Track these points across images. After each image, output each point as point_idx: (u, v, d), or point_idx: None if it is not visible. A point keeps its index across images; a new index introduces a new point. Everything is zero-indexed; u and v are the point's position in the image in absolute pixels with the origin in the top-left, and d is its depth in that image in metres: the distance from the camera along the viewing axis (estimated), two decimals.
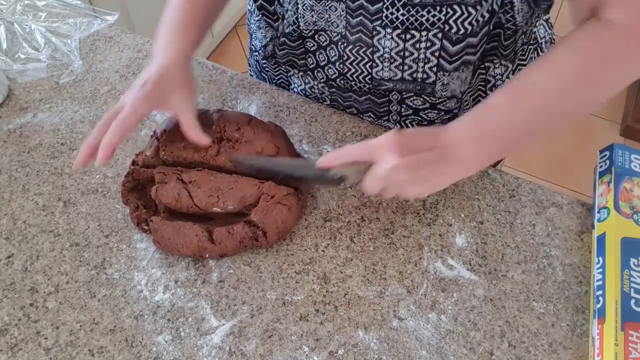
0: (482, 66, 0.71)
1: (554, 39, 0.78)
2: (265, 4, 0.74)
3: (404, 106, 0.74)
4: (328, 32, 0.68)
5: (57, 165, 0.72)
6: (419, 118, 0.76)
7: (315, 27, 0.68)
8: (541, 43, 0.76)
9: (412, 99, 0.73)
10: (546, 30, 0.77)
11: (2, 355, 0.57)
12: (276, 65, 0.82)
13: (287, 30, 0.71)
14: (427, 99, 0.72)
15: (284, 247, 0.65)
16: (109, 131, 0.58)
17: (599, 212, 0.67)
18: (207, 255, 0.61)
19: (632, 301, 0.57)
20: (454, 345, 0.59)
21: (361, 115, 0.79)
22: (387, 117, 0.78)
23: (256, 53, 0.84)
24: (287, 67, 0.80)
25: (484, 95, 0.75)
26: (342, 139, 0.76)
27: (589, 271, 0.65)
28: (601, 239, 0.64)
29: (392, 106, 0.75)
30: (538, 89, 0.55)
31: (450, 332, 0.60)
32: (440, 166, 0.56)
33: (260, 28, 0.79)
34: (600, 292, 0.60)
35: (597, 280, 0.61)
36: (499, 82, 0.74)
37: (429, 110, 0.74)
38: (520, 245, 0.67)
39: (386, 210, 0.68)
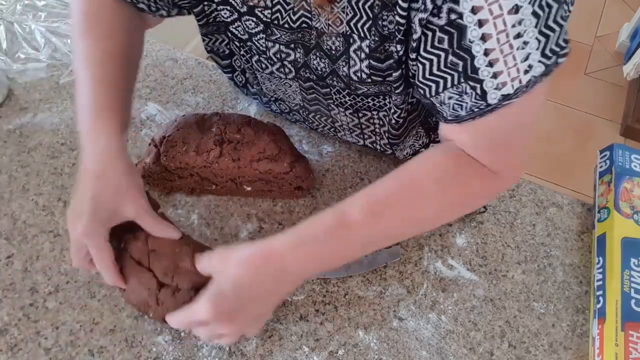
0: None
1: None
2: (216, 57, 0.69)
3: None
4: (287, 102, 0.68)
5: (57, 165, 0.72)
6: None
7: (276, 96, 0.68)
8: None
9: None
10: None
11: (2, 355, 0.57)
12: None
13: (252, 89, 0.71)
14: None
15: None
16: (106, 278, 0.54)
17: (599, 212, 0.67)
18: (151, 315, 0.56)
19: (632, 301, 0.57)
20: (454, 346, 0.59)
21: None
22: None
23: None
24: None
25: None
26: (342, 139, 0.76)
27: (589, 271, 0.65)
28: (601, 239, 0.64)
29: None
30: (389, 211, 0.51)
31: (450, 332, 0.59)
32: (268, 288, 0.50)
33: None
34: (600, 292, 0.60)
35: (597, 281, 0.61)
36: None
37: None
38: (520, 245, 0.67)
39: None
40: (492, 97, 0.44)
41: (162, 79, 0.82)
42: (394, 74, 0.52)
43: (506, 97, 0.44)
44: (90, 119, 0.55)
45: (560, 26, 0.42)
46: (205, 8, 0.59)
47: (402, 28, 0.46)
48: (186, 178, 0.67)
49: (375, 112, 0.61)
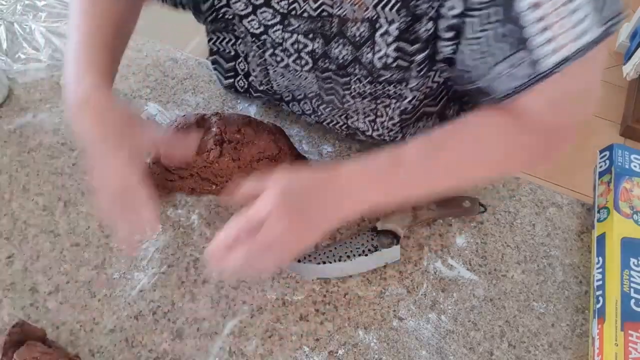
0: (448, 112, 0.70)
1: None
2: (221, 59, 0.68)
3: None
4: (302, 90, 0.68)
5: (57, 165, 0.72)
6: None
7: (289, 89, 0.68)
8: None
9: None
10: None
11: None
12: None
13: (260, 88, 0.71)
14: None
15: None
16: (144, 214, 0.52)
17: (598, 212, 0.67)
18: None
19: (632, 301, 0.58)
20: (454, 345, 0.59)
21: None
22: None
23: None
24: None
25: None
26: (342, 139, 0.76)
27: (588, 271, 0.65)
28: (601, 239, 0.64)
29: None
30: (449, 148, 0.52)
31: (450, 332, 0.60)
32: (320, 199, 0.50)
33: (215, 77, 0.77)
34: (600, 292, 0.60)
35: (597, 280, 0.61)
36: None
37: None
38: (520, 245, 0.67)
39: None
40: (544, 65, 0.44)
41: (162, 79, 0.82)
42: (419, 56, 0.52)
43: (558, 65, 0.44)
44: (77, 71, 0.54)
45: None
46: (215, 2, 0.59)
47: (437, 3, 0.47)
48: (186, 178, 0.67)
49: (394, 100, 0.61)
